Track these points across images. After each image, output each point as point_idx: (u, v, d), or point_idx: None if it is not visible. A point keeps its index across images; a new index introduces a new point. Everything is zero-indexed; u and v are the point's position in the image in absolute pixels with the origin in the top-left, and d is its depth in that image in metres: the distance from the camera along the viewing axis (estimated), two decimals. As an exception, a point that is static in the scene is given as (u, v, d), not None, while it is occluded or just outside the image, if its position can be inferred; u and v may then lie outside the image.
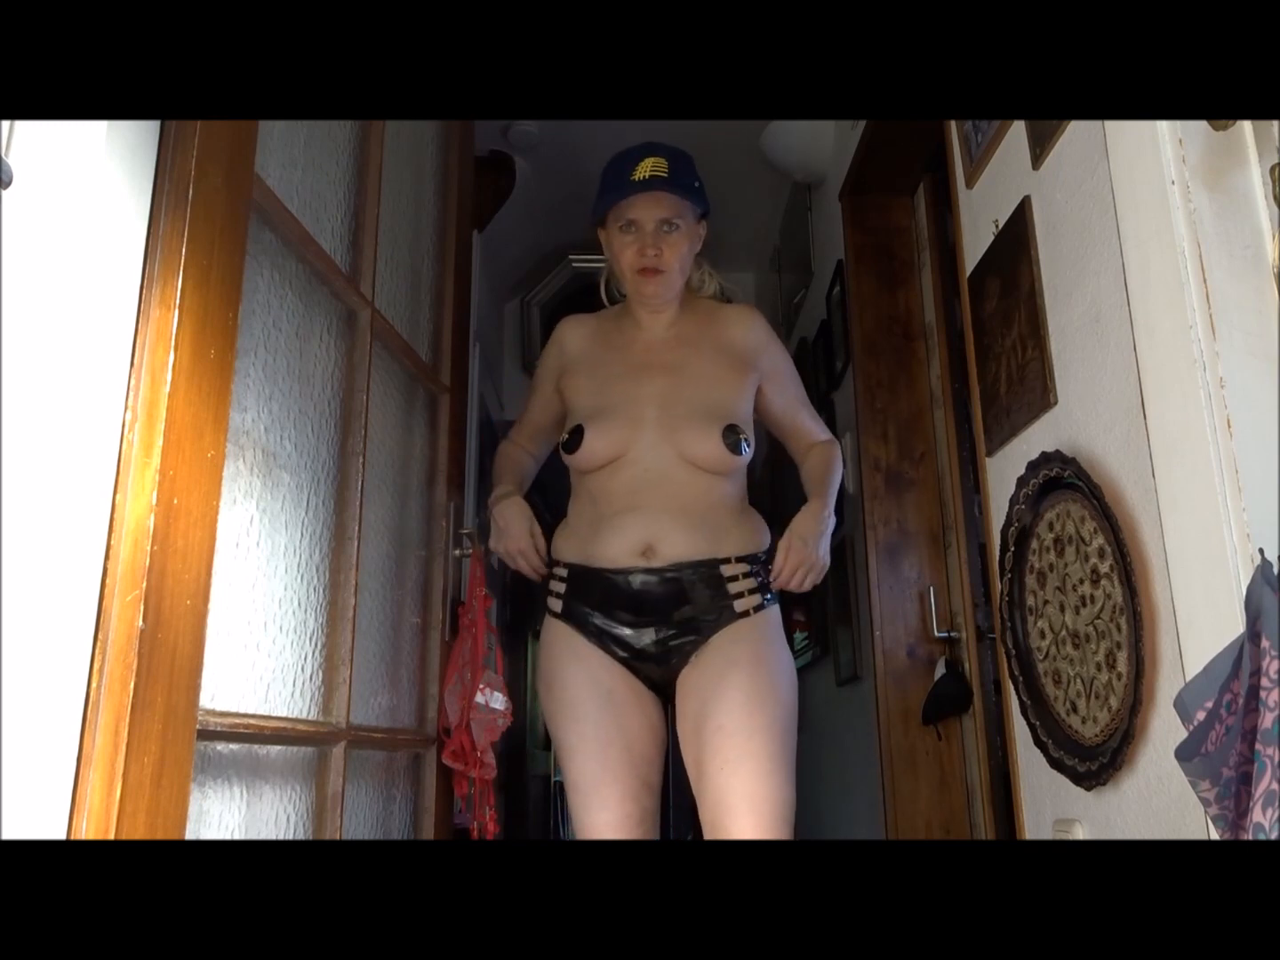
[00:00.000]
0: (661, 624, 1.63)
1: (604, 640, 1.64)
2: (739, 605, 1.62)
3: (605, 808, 1.55)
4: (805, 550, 1.64)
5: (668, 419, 1.67)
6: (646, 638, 1.64)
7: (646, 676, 1.65)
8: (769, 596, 1.67)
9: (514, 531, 1.71)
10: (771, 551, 1.71)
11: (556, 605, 1.69)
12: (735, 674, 1.57)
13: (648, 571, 1.62)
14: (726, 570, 1.64)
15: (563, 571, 1.70)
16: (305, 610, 1.32)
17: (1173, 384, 1.12)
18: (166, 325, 0.97)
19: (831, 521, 1.72)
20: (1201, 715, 0.90)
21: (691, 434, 1.65)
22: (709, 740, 1.54)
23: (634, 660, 1.64)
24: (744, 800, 1.48)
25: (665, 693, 1.67)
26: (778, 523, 1.78)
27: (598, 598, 1.64)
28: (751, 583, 1.65)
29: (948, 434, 2.58)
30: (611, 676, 1.63)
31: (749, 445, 1.68)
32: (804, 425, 1.86)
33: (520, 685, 4.81)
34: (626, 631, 1.64)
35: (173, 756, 0.93)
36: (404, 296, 1.77)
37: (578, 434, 1.68)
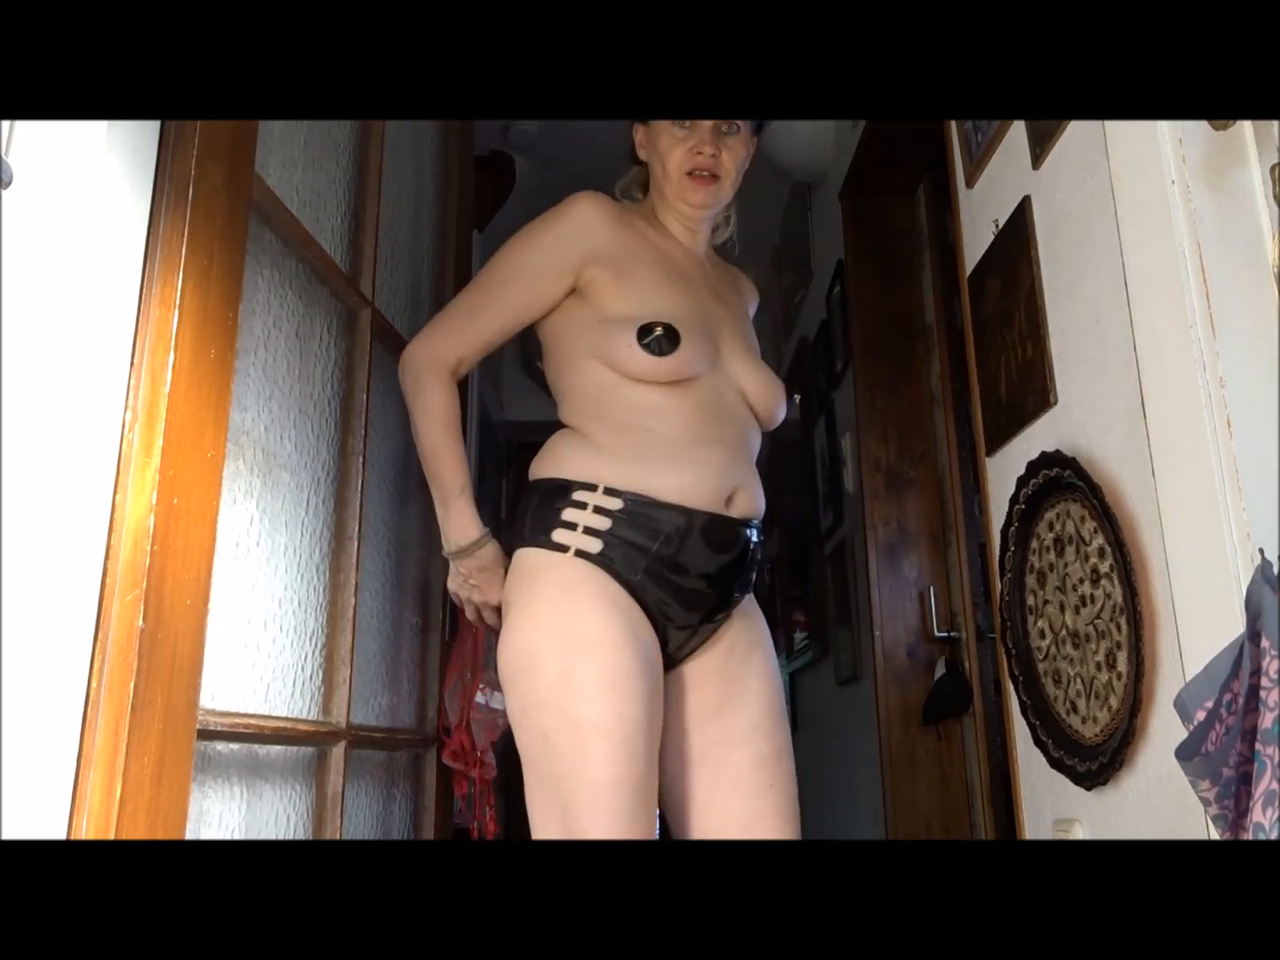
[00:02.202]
0: (726, 587, 1.36)
1: (648, 596, 1.30)
2: (752, 579, 1.44)
3: (647, 816, 1.21)
4: None
5: (738, 351, 1.45)
6: (708, 600, 1.34)
7: (662, 644, 1.35)
8: None
9: (490, 589, 1.42)
10: None
11: (590, 544, 1.29)
12: (761, 657, 1.41)
13: (731, 523, 1.34)
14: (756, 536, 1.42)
15: (608, 502, 1.30)
16: (305, 610, 1.32)
17: (1173, 384, 1.12)
18: (166, 325, 0.97)
19: None
20: (1201, 715, 0.90)
21: (766, 375, 1.46)
22: (753, 747, 1.34)
23: (673, 625, 1.34)
24: (791, 820, 1.33)
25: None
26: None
27: (658, 540, 1.29)
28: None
29: (948, 434, 2.58)
30: (653, 647, 1.30)
31: None
32: None
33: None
34: (686, 588, 1.31)
35: (173, 756, 0.93)
36: (404, 296, 1.77)
37: (672, 335, 1.33)
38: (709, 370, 1.38)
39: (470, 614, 1.47)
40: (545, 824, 1.21)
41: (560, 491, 1.33)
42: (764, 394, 1.44)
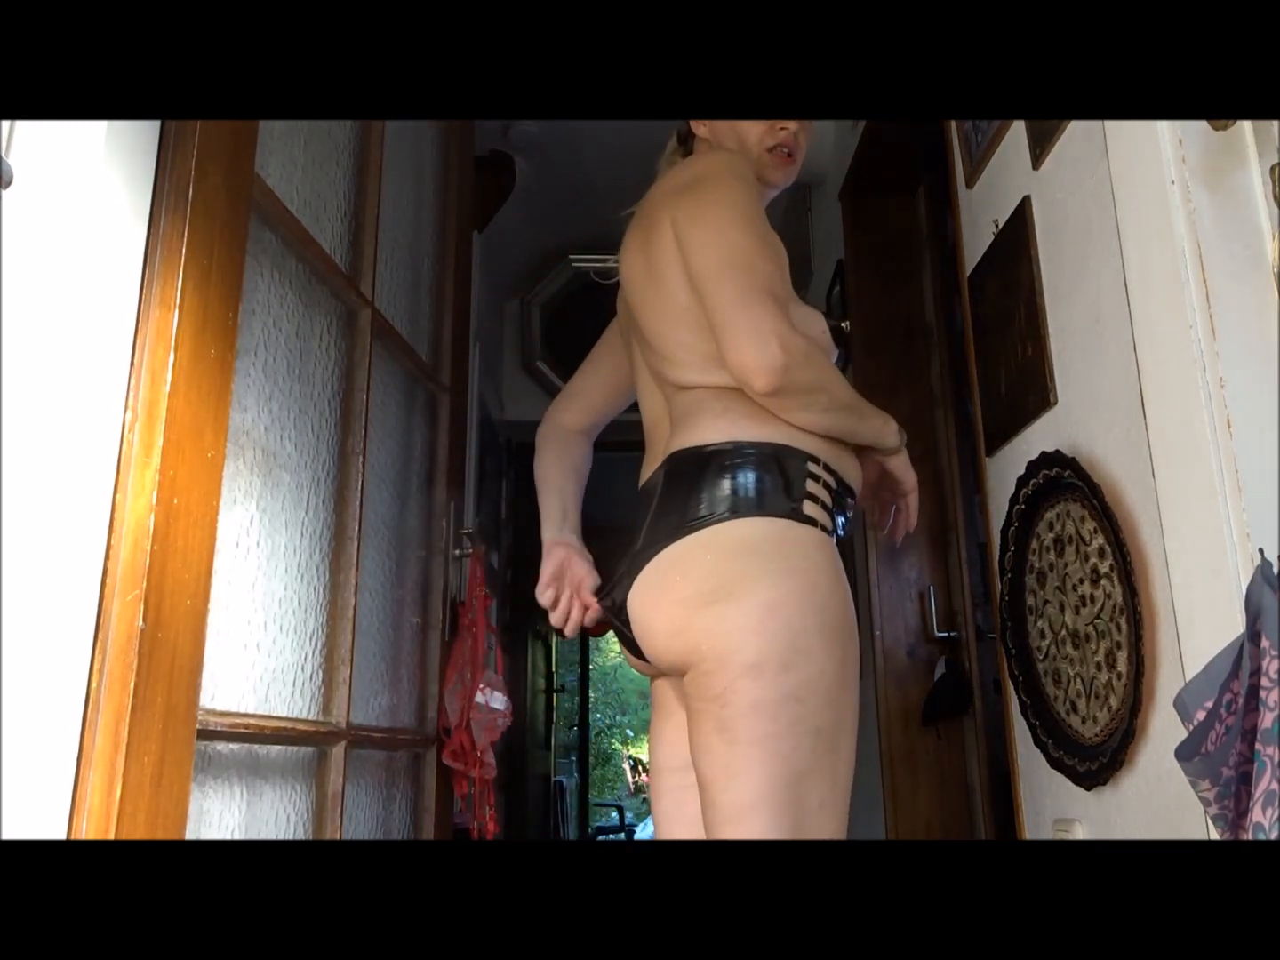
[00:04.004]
0: None
1: None
2: None
3: (844, 825, 1.14)
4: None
5: None
6: None
7: None
8: None
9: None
10: None
11: (826, 518, 1.21)
12: None
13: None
14: None
15: (832, 479, 1.22)
16: (305, 610, 1.32)
17: (1173, 384, 1.12)
18: (166, 325, 0.97)
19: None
20: (1201, 715, 0.90)
21: None
22: None
23: None
24: None
25: None
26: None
27: (840, 527, 1.25)
28: None
29: (948, 434, 2.58)
30: None
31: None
32: None
33: (520, 685, 4.81)
34: None
35: (173, 756, 0.93)
36: (404, 296, 1.77)
37: (840, 332, 1.36)
38: None
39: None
40: (764, 822, 1.07)
41: (795, 459, 1.20)
42: None
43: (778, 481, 1.18)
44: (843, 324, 1.33)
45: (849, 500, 1.27)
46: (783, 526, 1.17)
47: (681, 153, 1.50)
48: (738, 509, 1.17)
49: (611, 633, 1.37)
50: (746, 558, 1.15)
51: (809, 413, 1.20)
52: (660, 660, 1.21)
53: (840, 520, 1.24)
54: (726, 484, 1.18)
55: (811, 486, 1.19)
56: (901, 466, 1.33)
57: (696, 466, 1.21)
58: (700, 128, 1.45)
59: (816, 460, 1.21)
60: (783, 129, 1.39)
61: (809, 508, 1.18)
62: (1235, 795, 0.87)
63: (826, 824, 1.09)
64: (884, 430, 1.29)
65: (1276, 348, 1.05)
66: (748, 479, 1.19)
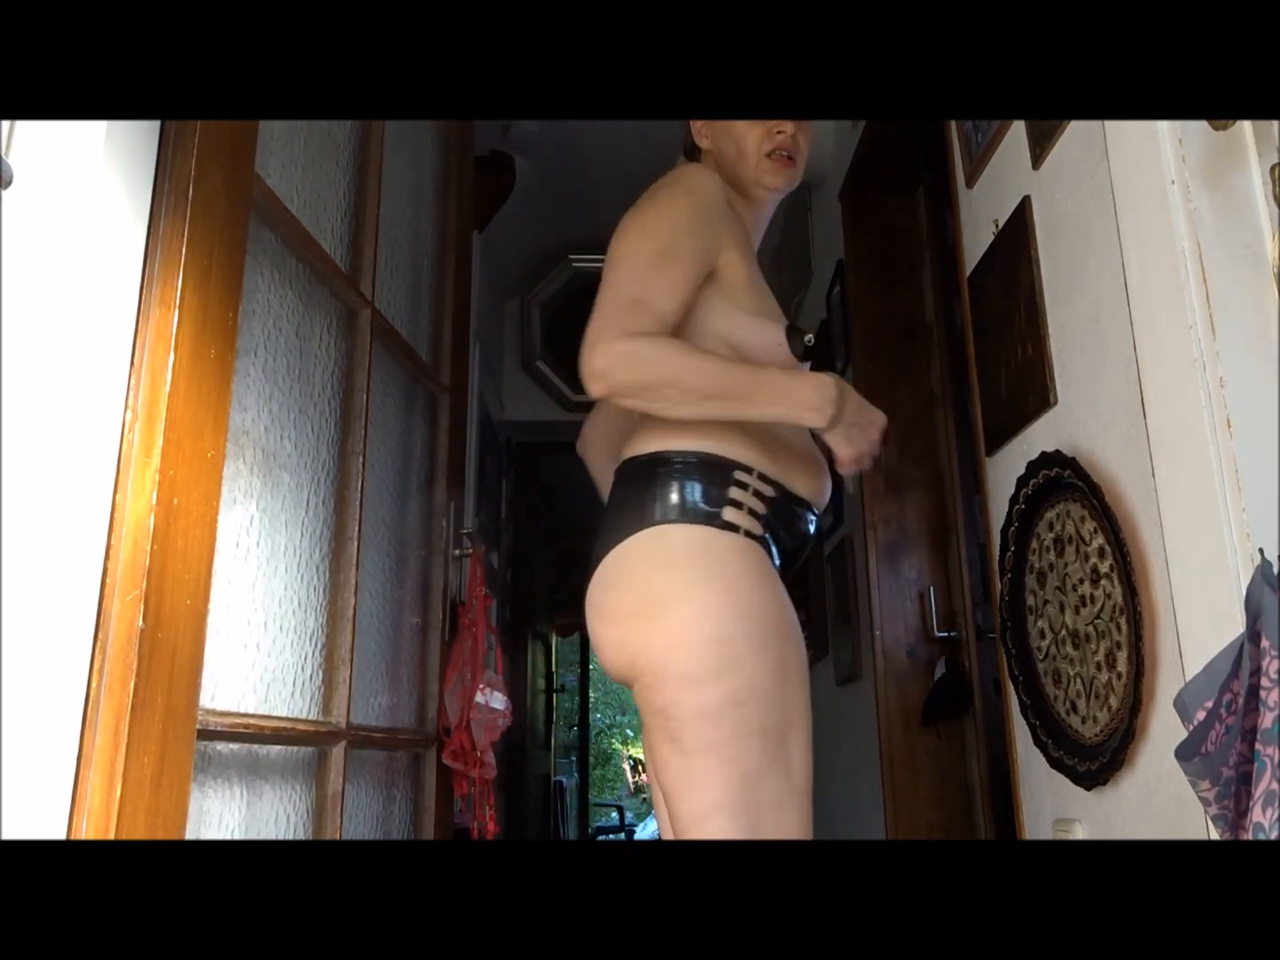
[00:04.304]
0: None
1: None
2: None
3: (807, 825, 1.19)
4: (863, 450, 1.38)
5: None
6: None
7: None
8: None
9: (869, 418, 1.26)
10: None
11: (754, 525, 1.24)
12: None
13: (817, 519, 1.34)
14: None
15: (765, 488, 1.26)
16: (305, 610, 1.32)
17: (1173, 384, 1.12)
18: (166, 325, 0.97)
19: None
20: (1201, 715, 0.90)
21: None
22: None
23: None
24: None
25: None
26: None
27: (791, 535, 1.29)
28: None
29: (948, 434, 2.58)
30: None
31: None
32: None
33: (520, 685, 4.81)
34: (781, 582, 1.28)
35: (173, 756, 0.93)
36: (404, 296, 1.77)
37: (811, 343, 1.31)
38: None
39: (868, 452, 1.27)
40: (722, 825, 1.11)
41: (719, 469, 1.24)
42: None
43: (699, 490, 1.23)
44: (806, 337, 1.29)
45: (802, 510, 1.29)
46: (704, 534, 1.21)
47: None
48: (663, 517, 1.22)
49: None
50: (671, 570, 1.20)
51: (662, 407, 1.20)
52: (611, 672, 1.25)
53: (793, 531, 1.28)
54: (654, 493, 1.24)
55: (736, 494, 1.23)
56: (837, 440, 1.23)
57: (632, 477, 1.28)
58: (702, 140, 1.46)
59: (748, 469, 1.25)
60: (779, 132, 1.39)
61: (730, 514, 1.22)
62: (1235, 795, 0.87)
63: (786, 820, 1.12)
64: (792, 410, 1.21)
65: (1276, 348, 1.05)
66: (671, 488, 1.24)
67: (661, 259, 1.24)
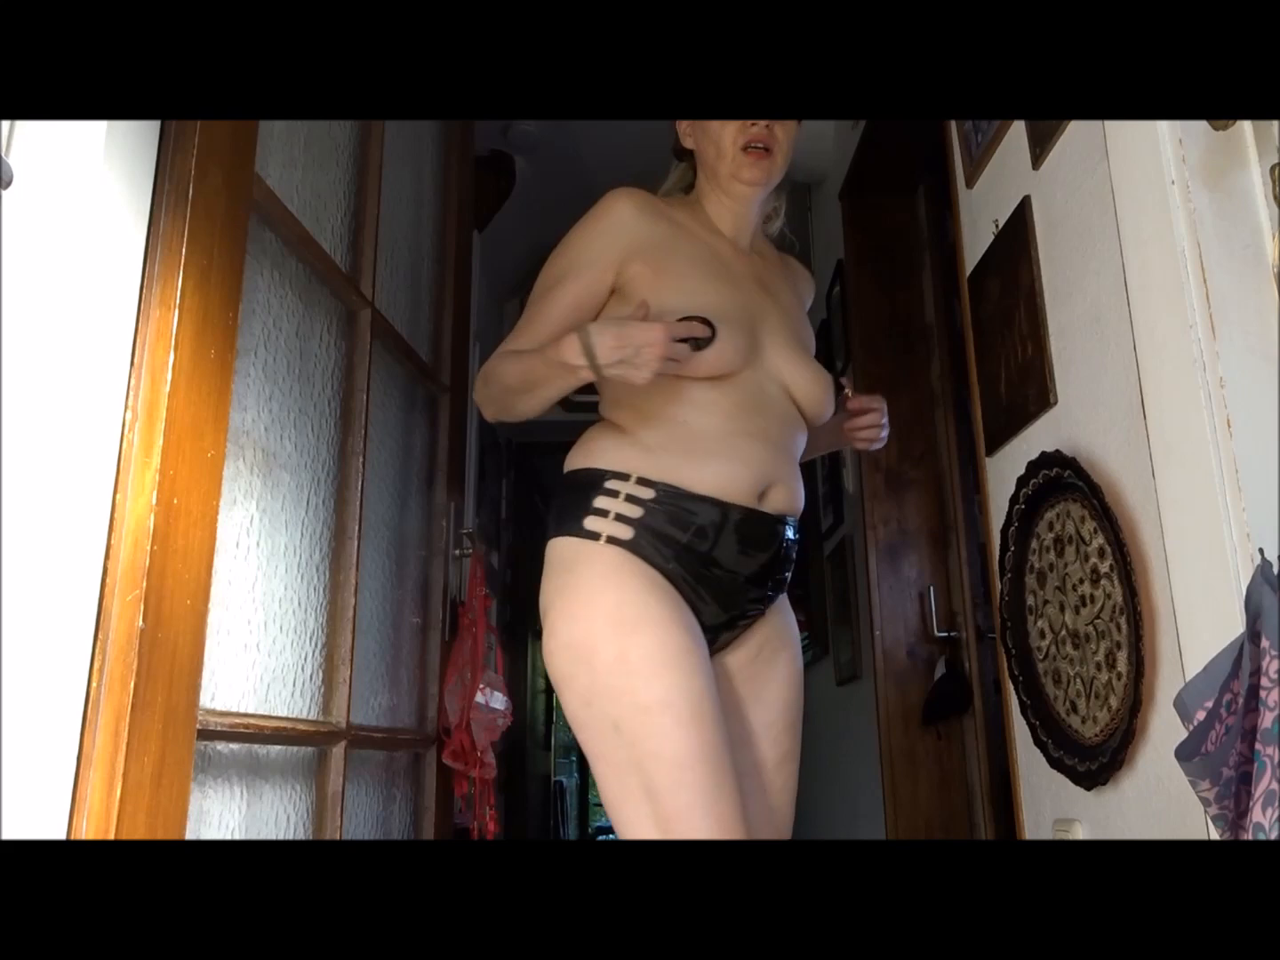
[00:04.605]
0: (757, 583, 1.33)
1: (678, 586, 1.27)
2: (787, 575, 1.40)
3: (733, 789, 1.16)
4: (883, 407, 1.48)
5: (779, 343, 1.40)
6: (735, 595, 1.31)
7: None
8: None
9: (636, 333, 1.21)
10: None
11: (622, 531, 1.26)
12: (787, 659, 1.39)
13: (764, 517, 1.31)
14: (792, 534, 1.39)
15: (641, 491, 1.28)
16: (305, 610, 1.32)
17: (1173, 384, 1.12)
18: (166, 325, 0.97)
19: None
20: (1201, 715, 0.90)
21: (810, 368, 1.41)
22: (748, 746, 1.32)
23: (702, 619, 1.30)
24: (781, 831, 1.33)
25: None
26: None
27: (689, 531, 1.27)
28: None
29: (948, 434, 2.58)
30: (701, 634, 1.28)
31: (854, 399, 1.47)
32: None
33: (520, 685, 4.81)
34: (715, 580, 1.29)
35: (173, 756, 0.93)
36: (404, 296, 1.77)
37: (713, 332, 1.30)
38: (748, 364, 1.34)
39: (652, 366, 1.22)
40: (635, 818, 1.15)
41: (593, 481, 1.30)
42: (808, 388, 1.39)
43: (570, 503, 1.31)
44: (697, 342, 1.28)
45: (697, 504, 1.28)
46: (567, 545, 1.29)
47: (681, 169, 1.56)
48: (552, 533, 1.32)
49: None
50: (545, 584, 1.31)
51: (504, 412, 1.35)
52: None
53: (683, 525, 1.27)
54: (552, 510, 1.34)
55: (601, 502, 1.28)
56: (622, 375, 1.21)
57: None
58: (687, 140, 1.49)
59: (624, 476, 1.30)
60: (753, 124, 1.40)
61: (591, 522, 1.27)
62: (1235, 795, 0.87)
63: (694, 801, 1.12)
64: (563, 374, 1.24)
65: (1276, 348, 1.05)
66: (557, 505, 1.34)
67: (551, 284, 1.36)
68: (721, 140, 1.42)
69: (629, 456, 1.31)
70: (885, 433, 1.47)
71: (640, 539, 1.26)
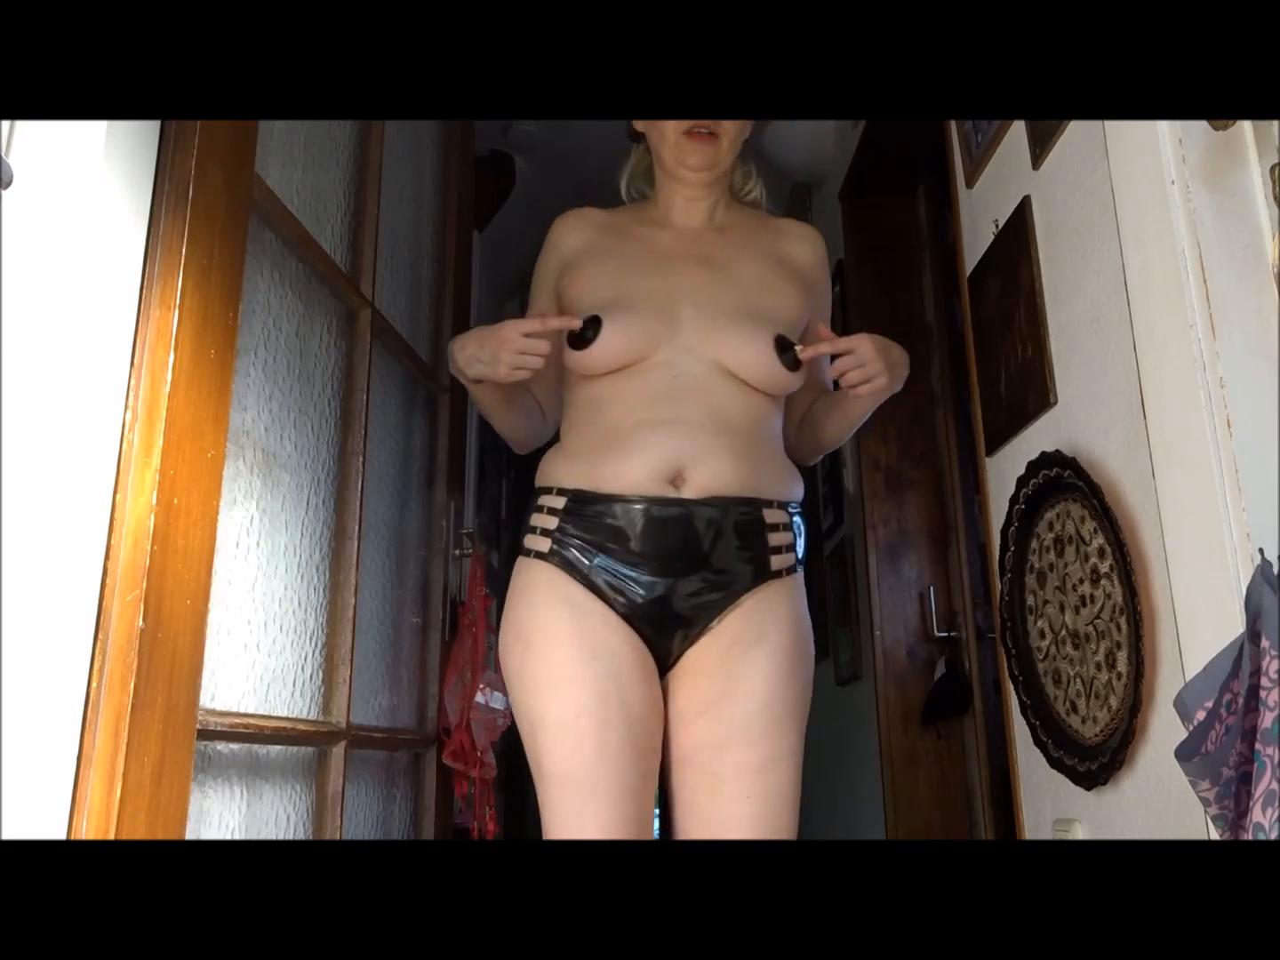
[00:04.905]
0: (685, 574, 1.28)
1: (606, 590, 1.28)
2: (775, 562, 1.33)
3: (601, 809, 1.20)
4: (875, 349, 1.32)
5: (705, 318, 1.35)
6: (663, 587, 1.28)
7: (647, 638, 1.30)
8: (800, 560, 1.39)
9: (493, 333, 1.31)
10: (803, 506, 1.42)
11: (542, 544, 1.31)
12: (771, 657, 1.30)
13: (677, 504, 1.28)
14: (769, 516, 1.32)
15: (556, 501, 1.32)
16: (305, 610, 1.32)
17: (1173, 384, 1.12)
18: (166, 325, 0.97)
19: (904, 359, 1.40)
20: (1201, 715, 0.90)
21: (734, 335, 1.33)
22: (735, 752, 1.26)
23: (640, 617, 1.29)
24: (756, 835, 1.24)
25: (663, 660, 1.33)
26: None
27: (604, 533, 1.28)
28: (789, 537, 1.35)
29: (948, 434, 2.58)
30: (612, 635, 1.27)
31: (802, 367, 1.36)
32: (825, 384, 1.52)
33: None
34: (638, 579, 1.28)
35: (173, 756, 0.93)
36: (404, 296, 1.77)
37: (593, 325, 1.31)
38: (659, 349, 1.32)
39: (512, 367, 1.31)
40: (544, 822, 1.27)
41: (533, 500, 1.38)
42: (738, 355, 1.33)
43: (524, 521, 1.38)
44: (578, 337, 1.33)
45: (610, 504, 1.29)
46: (517, 563, 1.36)
47: (639, 151, 1.56)
48: None
49: None
50: None
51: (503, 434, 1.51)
52: None
53: (600, 528, 1.29)
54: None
55: (533, 518, 1.35)
56: (493, 374, 1.31)
57: None
58: (639, 124, 1.50)
59: (549, 489, 1.35)
60: None
61: (528, 540, 1.35)
62: (1235, 795, 0.87)
63: (566, 818, 1.22)
64: (458, 364, 1.35)
65: (1276, 348, 1.05)
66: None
67: (529, 297, 1.52)
68: (665, 125, 1.41)
69: (556, 468, 1.36)
70: (874, 370, 1.32)
71: (559, 550, 1.30)
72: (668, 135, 1.41)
